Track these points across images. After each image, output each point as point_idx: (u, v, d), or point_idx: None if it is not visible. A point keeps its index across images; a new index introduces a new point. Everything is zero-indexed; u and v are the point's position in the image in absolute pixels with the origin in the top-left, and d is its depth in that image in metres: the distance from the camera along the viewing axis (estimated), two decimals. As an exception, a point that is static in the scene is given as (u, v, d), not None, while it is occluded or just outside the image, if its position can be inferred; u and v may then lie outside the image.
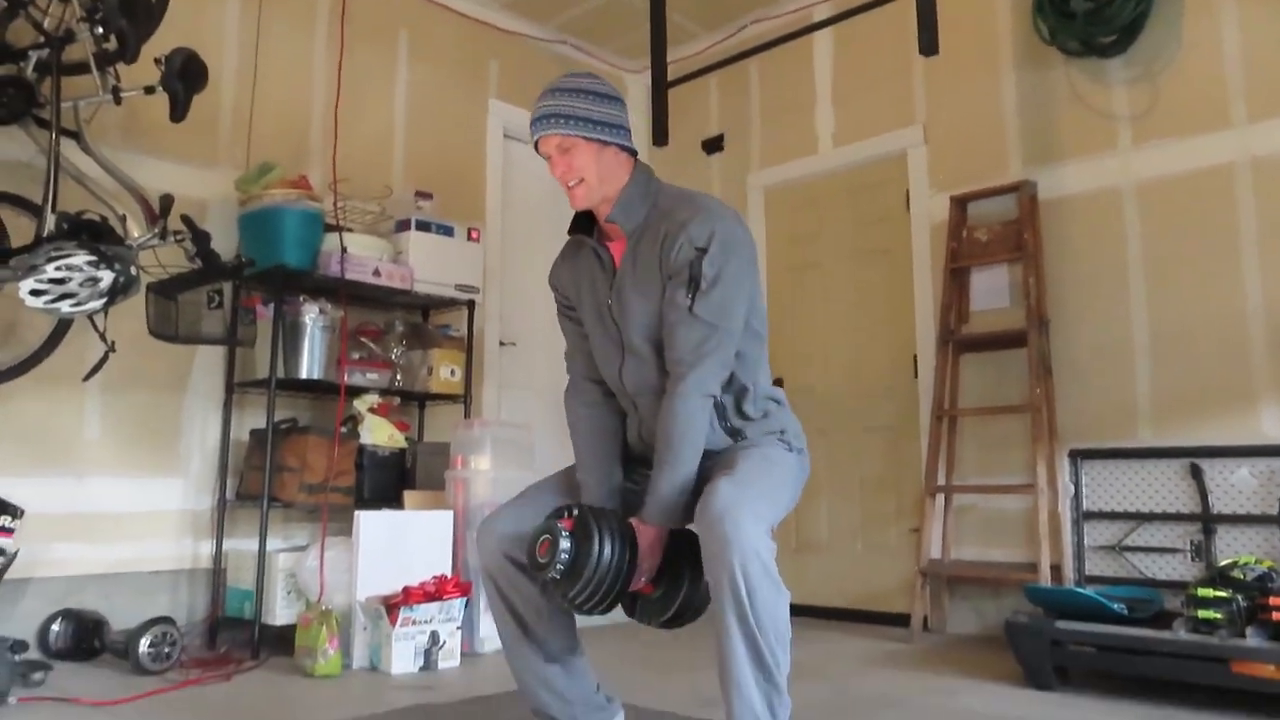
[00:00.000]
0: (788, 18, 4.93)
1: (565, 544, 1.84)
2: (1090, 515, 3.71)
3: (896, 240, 4.58)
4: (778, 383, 1.85)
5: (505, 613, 2.07)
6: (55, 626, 3.27)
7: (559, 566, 1.84)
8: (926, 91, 4.49)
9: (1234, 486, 3.43)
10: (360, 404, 3.81)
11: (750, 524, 1.71)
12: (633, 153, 2.06)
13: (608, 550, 1.83)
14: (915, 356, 4.43)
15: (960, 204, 4.25)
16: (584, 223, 2.12)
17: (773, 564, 1.71)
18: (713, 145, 5.37)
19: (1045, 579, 3.58)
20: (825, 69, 4.89)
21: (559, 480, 2.18)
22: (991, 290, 4.21)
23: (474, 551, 2.10)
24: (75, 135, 3.16)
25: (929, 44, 3.53)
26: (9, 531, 2.93)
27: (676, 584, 1.92)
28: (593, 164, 2.00)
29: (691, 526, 1.80)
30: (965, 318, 4.25)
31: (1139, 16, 3.74)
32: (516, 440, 3.82)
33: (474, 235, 4.26)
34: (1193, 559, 3.46)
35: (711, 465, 1.94)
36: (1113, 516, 3.66)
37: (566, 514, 1.92)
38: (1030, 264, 3.94)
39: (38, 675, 2.83)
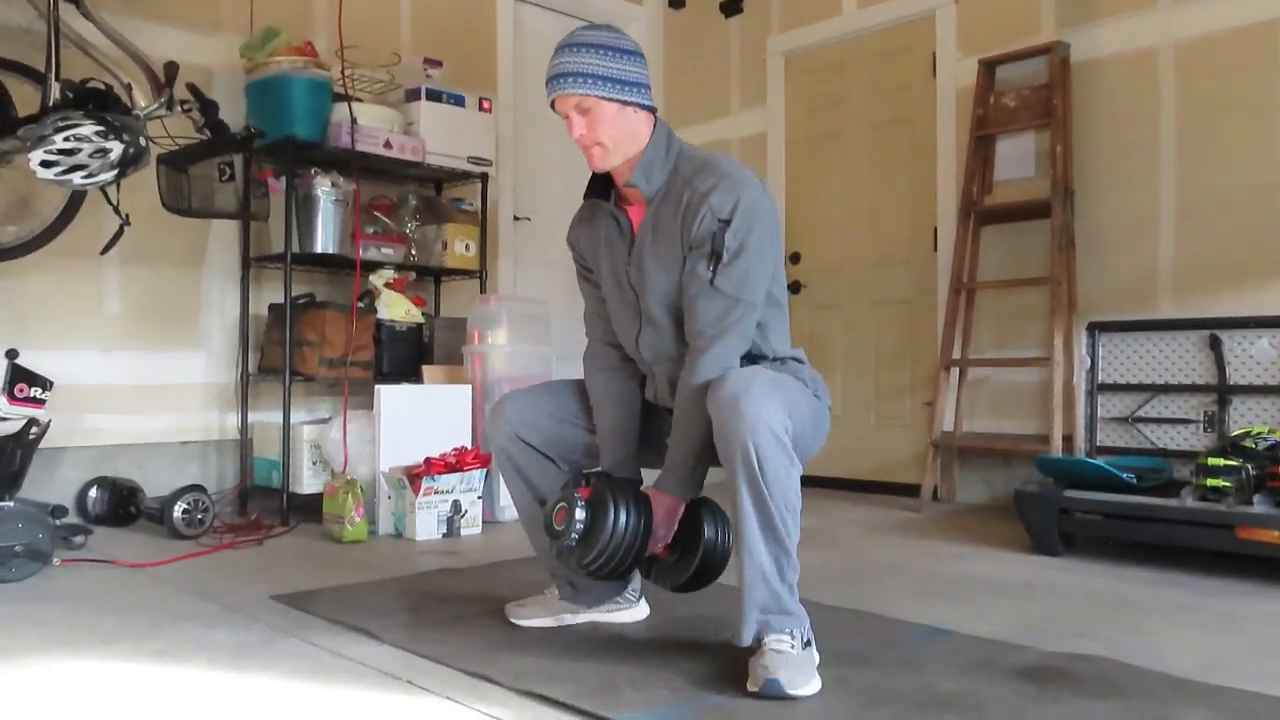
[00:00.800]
0: None
1: (581, 513, 1.88)
2: (1105, 387, 3.72)
3: (921, 108, 4.44)
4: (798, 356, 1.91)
5: (520, 485, 2.14)
6: (92, 493, 3.38)
7: (574, 534, 1.87)
8: (957, -53, 4.27)
9: (1252, 358, 3.42)
10: (376, 279, 3.81)
11: (763, 400, 1.73)
12: (652, 110, 1.98)
13: (623, 519, 1.86)
14: (935, 229, 4.36)
15: (989, 68, 4.10)
16: (600, 185, 2.06)
17: (785, 436, 1.74)
18: (731, 7, 5.16)
19: (1057, 450, 3.62)
20: (851, -76, 4.65)
21: (578, 384, 2.20)
22: (1017, 159, 4.11)
23: (489, 429, 2.14)
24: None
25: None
26: (40, 403, 3.00)
27: (692, 548, 1.95)
28: (613, 125, 1.91)
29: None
30: (988, 188, 4.16)
31: None
32: (533, 315, 3.82)
33: (486, 105, 4.16)
34: (1206, 429, 3.48)
35: None
36: (1128, 389, 3.67)
37: (583, 482, 1.95)
38: (1059, 131, 3.83)
39: (78, 539, 2.96)
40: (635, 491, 1.93)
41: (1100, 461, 3.27)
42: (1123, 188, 3.79)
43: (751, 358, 1.98)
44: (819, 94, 4.83)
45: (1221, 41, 3.56)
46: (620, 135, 1.93)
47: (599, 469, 2.07)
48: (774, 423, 1.72)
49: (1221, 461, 2.89)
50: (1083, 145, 3.89)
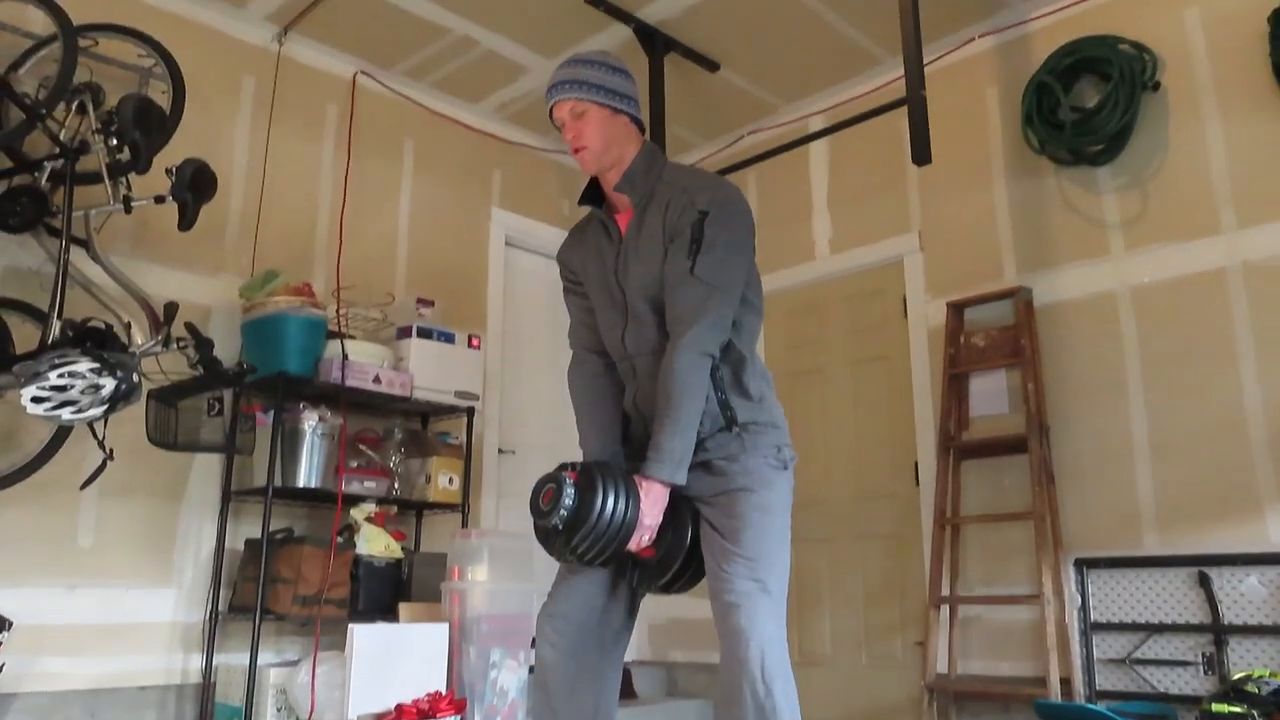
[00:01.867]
0: (784, 128, 5.07)
1: (569, 493, 1.86)
2: (1099, 626, 3.64)
3: (895, 346, 4.61)
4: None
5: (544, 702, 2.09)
6: (36, 745, 3.17)
7: (562, 513, 1.85)
8: (921, 199, 4.59)
9: (1244, 595, 3.38)
10: (357, 513, 3.77)
11: (766, 616, 1.79)
12: (642, 129, 2.16)
13: (610, 502, 1.85)
14: (916, 463, 4.41)
15: (957, 310, 4.29)
16: (594, 196, 2.20)
17: (786, 656, 1.78)
18: (711, 253, 5.43)
19: (1055, 693, 3.49)
20: (822, 178, 5.01)
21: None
22: (991, 396, 4.22)
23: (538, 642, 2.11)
24: (85, 243, 3.22)
25: (921, 154, 3.63)
26: (-4, 645, 2.87)
27: (675, 548, 1.94)
28: (603, 129, 2.09)
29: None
30: (965, 424, 4.25)
31: (1125, 126, 3.84)
32: (515, 551, 3.76)
33: (474, 343, 4.29)
34: (1205, 672, 3.38)
35: (713, 510, 1.96)
36: (1122, 628, 3.59)
37: (572, 467, 1.94)
38: (1028, 369, 3.96)
39: (15, 798, 2.74)
40: (625, 477, 1.90)
41: (1102, 708, 3.15)
42: (1097, 423, 3.88)
43: (732, 359, 2.02)
44: (798, 333, 5.02)
45: (1174, 288, 3.76)
46: (609, 140, 2.08)
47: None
48: (775, 640, 1.81)
49: (1226, 708, 2.80)
50: (1054, 382, 4.02)
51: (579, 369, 2.23)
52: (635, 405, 2.11)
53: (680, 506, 1.97)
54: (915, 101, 3.63)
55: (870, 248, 4.75)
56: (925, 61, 3.76)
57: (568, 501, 1.87)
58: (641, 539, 1.92)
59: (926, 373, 4.42)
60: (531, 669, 3.66)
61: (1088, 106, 3.95)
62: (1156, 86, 3.85)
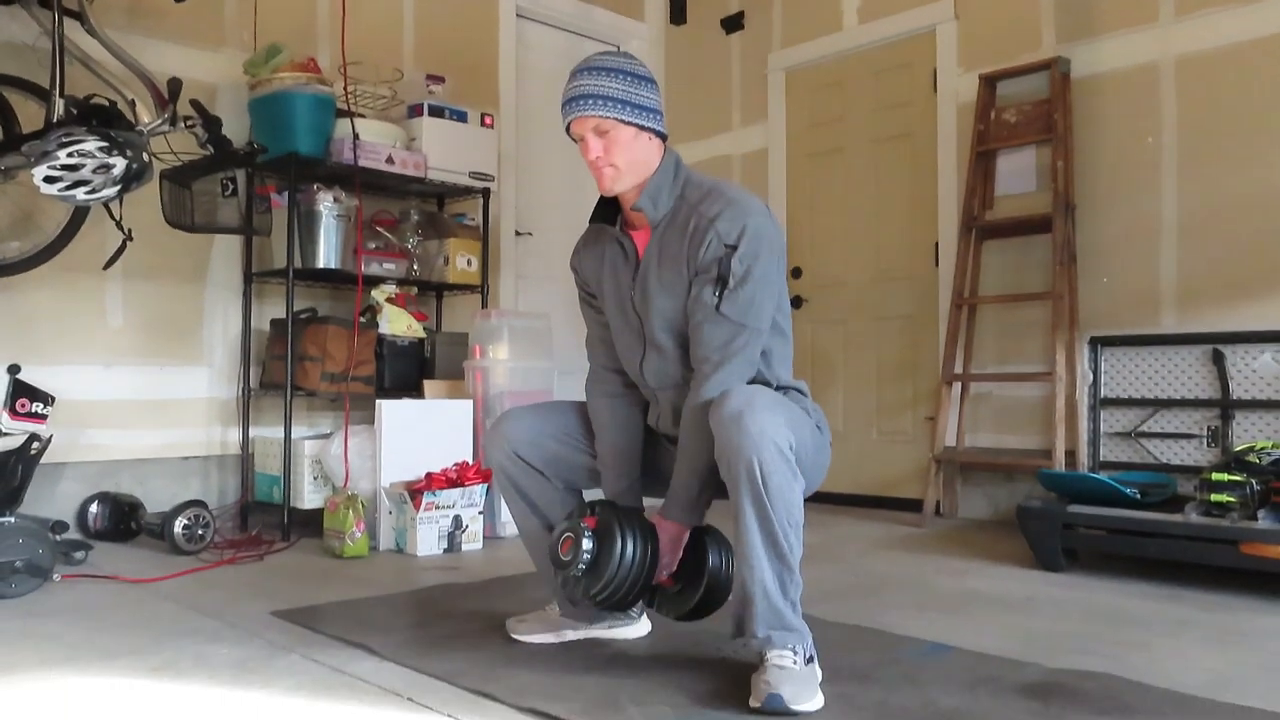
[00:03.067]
0: (813, -116, 4.69)
1: (588, 543, 1.88)
2: (1108, 402, 3.72)
3: (922, 123, 4.45)
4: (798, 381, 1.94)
5: (520, 504, 2.14)
6: (93, 508, 3.37)
7: (581, 565, 1.88)
8: (957, -37, 4.29)
9: (1255, 372, 3.41)
10: (378, 294, 3.82)
11: (767, 415, 1.73)
12: (664, 138, 2.00)
13: (629, 549, 1.86)
14: (936, 244, 4.37)
15: (989, 83, 4.11)
16: (607, 209, 2.06)
17: (789, 452, 1.74)
18: (732, 23, 5.18)
19: (1060, 465, 3.61)
20: (852, -61, 4.68)
21: (579, 406, 2.19)
22: (1018, 174, 4.12)
23: (488, 446, 2.14)
24: (78, 16, 3.08)
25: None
26: (42, 418, 3.00)
27: (696, 578, 1.95)
28: (629, 148, 1.93)
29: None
30: (990, 203, 4.17)
31: (1187, -124, 3.52)
32: (534, 330, 3.83)
33: (488, 121, 4.18)
34: (1209, 444, 3.48)
35: None
36: (1130, 403, 3.66)
37: (589, 512, 1.96)
38: (1060, 146, 3.84)
39: (79, 554, 2.95)
40: (641, 521, 1.93)
41: (1103, 477, 3.26)
42: (1124, 203, 3.80)
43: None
44: (820, 110, 4.85)
45: (1223, 56, 3.57)
46: (634, 159, 1.94)
47: (603, 499, 2.06)
48: (778, 437, 1.72)
49: (1225, 477, 2.88)
50: (1084, 160, 3.90)
51: (598, 388, 2.15)
52: (659, 425, 2.08)
53: (699, 535, 1.97)
54: None
55: (901, 16, 4.49)
56: None
57: (586, 554, 1.87)
58: (660, 575, 1.95)
59: (953, 151, 4.30)
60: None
61: None
62: None
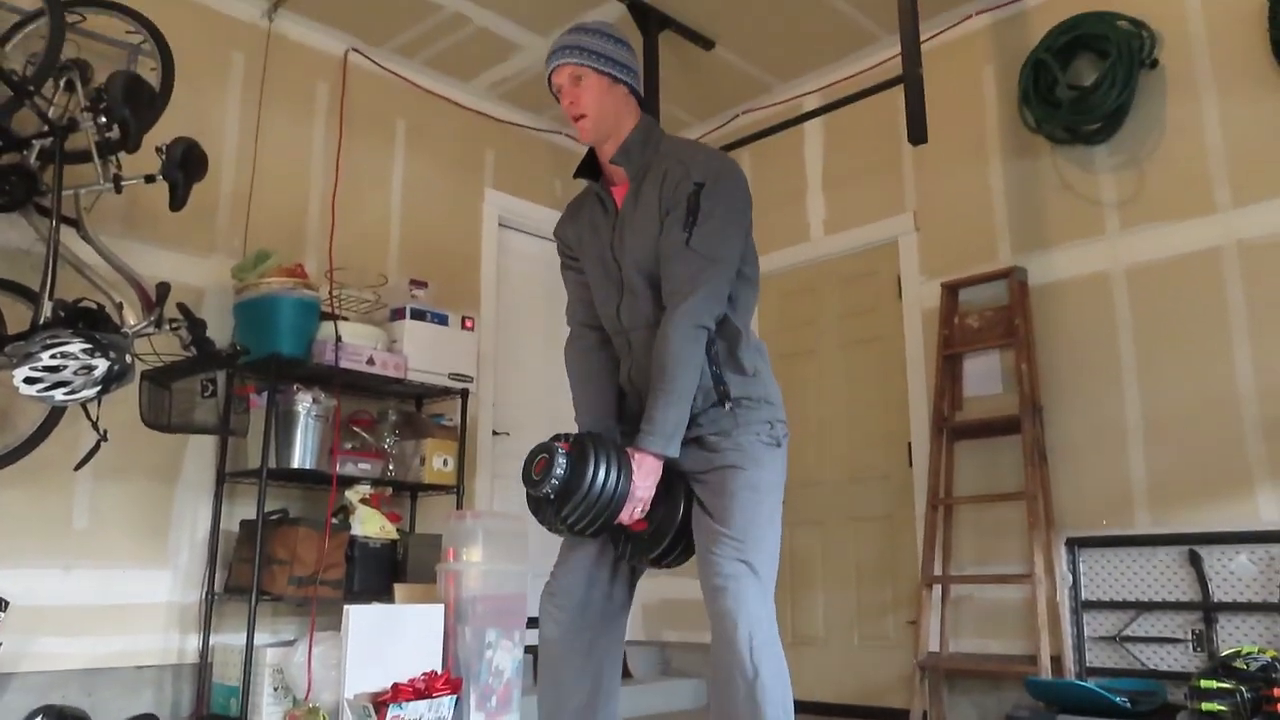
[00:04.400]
0: (778, 108, 5.05)
1: (561, 463, 1.86)
2: (1089, 605, 3.67)
3: (889, 327, 4.61)
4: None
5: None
6: (34, 724, 3.18)
7: (554, 482, 1.86)
8: (916, 179, 4.58)
9: (1233, 574, 3.40)
10: (352, 494, 3.78)
11: (754, 597, 1.80)
12: (641, 101, 2.15)
13: (602, 473, 1.85)
14: (909, 444, 4.42)
15: (951, 290, 4.30)
16: (591, 169, 2.20)
17: (774, 636, 1.79)
18: (705, 233, 5.42)
19: (1046, 671, 3.52)
20: (816, 158, 5.00)
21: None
22: (984, 376, 4.23)
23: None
24: (75, 223, 3.20)
25: (917, 133, 3.62)
26: (-8, 625, 2.88)
27: (667, 522, 1.94)
28: (602, 97, 2.08)
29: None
30: (959, 405, 4.26)
31: (1122, 104, 3.83)
32: (509, 532, 3.77)
33: (468, 324, 4.29)
34: (1195, 649, 3.41)
35: (704, 489, 1.96)
36: (1112, 606, 3.62)
37: (565, 438, 1.94)
38: (1022, 350, 3.97)
39: (13, 778, 2.75)
40: (617, 449, 1.91)
41: (1092, 685, 3.18)
42: (1090, 403, 3.89)
43: (728, 334, 2.01)
44: (791, 313, 5.02)
45: (1169, 267, 3.76)
46: (606, 109, 2.08)
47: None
48: (764, 618, 1.84)
49: (1215, 684, 2.82)
50: (1047, 363, 4.03)
51: (575, 344, 2.23)
52: (630, 379, 2.11)
53: (673, 480, 1.97)
54: (912, 80, 3.62)
55: (865, 229, 4.74)
56: (922, 39, 3.75)
57: (559, 471, 1.87)
58: (634, 511, 1.92)
59: (920, 354, 4.43)
60: (528, 649, 3.70)
61: (1085, 84, 3.94)
62: (1154, 64, 3.84)
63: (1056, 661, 3.63)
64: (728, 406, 1.99)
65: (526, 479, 1.93)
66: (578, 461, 1.87)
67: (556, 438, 1.96)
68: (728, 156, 2.12)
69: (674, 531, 1.94)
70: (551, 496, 1.87)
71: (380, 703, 3.12)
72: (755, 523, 1.91)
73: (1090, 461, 3.85)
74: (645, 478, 1.92)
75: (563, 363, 2.25)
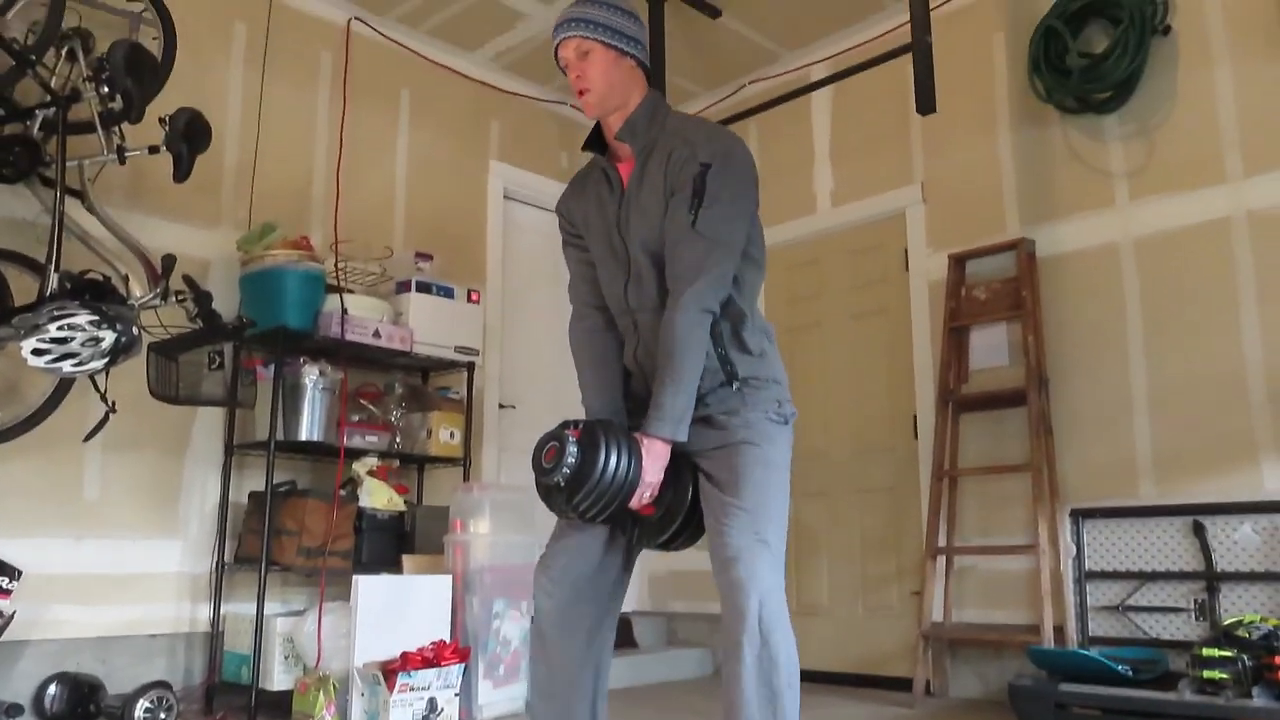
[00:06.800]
0: (786, 77, 5.01)
1: (572, 451, 1.88)
2: (1093, 575, 3.69)
3: (895, 300, 4.60)
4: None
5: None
6: (51, 690, 3.22)
7: (565, 471, 1.87)
8: (924, 150, 4.54)
9: (1237, 544, 3.41)
10: (359, 466, 3.80)
11: (765, 568, 1.81)
12: (648, 75, 2.12)
13: (613, 460, 1.87)
14: (915, 416, 4.43)
15: (959, 262, 4.28)
16: (598, 143, 2.17)
17: (784, 606, 1.81)
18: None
19: (1048, 640, 3.54)
20: (824, 129, 4.96)
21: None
22: (991, 349, 4.22)
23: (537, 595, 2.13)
24: (80, 194, 3.19)
25: (926, 103, 3.59)
26: (6, 593, 2.91)
27: (676, 506, 1.96)
28: (609, 71, 2.04)
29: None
30: (965, 377, 4.26)
31: (1134, 72, 3.79)
32: (516, 504, 3.79)
33: (474, 297, 4.29)
34: (1197, 618, 3.43)
35: (713, 463, 1.97)
36: (1115, 576, 3.64)
37: (574, 425, 1.96)
38: (1029, 322, 3.96)
39: (29, 743, 2.80)
40: (627, 435, 1.93)
41: (1094, 653, 3.20)
42: (1096, 375, 3.89)
43: (732, 315, 2.00)
44: (798, 287, 5.01)
45: (1177, 238, 3.75)
46: (612, 83, 2.04)
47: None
48: (775, 588, 1.84)
49: (1217, 652, 2.84)
50: (1054, 335, 4.02)
51: (580, 325, 2.20)
52: (636, 361, 2.10)
53: (681, 464, 1.98)
54: (920, 48, 3.58)
55: (872, 200, 4.72)
56: (931, 6, 3.71)
57: (570, 459, 1.88)
58: (643, 496, 1.93)
59: (927, 326, 4.42)
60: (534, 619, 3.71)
61: (1096, 52, 3.90)
62: (1167, 30, 3.80)
63: (1059, 631, 3.65)
64: (735, 386, 1.99)
65: (537, 467, 1.94)
66: (588, 449, 1.89)
67: (566, 425, 1.97)
68: (734, 135, 2.09)
69: (682, 515, 1.95)
70: (563, 484, 1.89)
71: (390, 671, 3.15)
72: (765, 496, 1.92)
73: (1095, 433, 3.86)
74: (654, 463, 1.93)
75: (566, 342, 2.25)
